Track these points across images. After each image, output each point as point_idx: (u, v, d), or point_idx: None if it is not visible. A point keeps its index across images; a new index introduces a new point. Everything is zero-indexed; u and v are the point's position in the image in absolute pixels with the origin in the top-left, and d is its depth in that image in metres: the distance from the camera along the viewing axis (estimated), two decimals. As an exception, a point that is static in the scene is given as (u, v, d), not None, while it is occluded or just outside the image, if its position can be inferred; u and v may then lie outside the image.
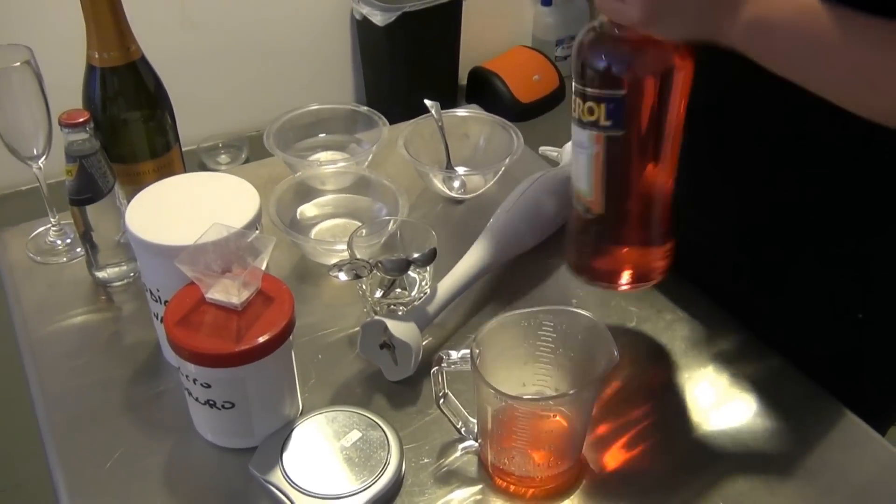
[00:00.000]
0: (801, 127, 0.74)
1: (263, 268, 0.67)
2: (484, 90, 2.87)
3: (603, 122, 0.66)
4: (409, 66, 2.67)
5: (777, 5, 0.61)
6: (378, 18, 2.53)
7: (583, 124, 0.67)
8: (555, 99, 2.96)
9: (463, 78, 2.93)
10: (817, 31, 0.60)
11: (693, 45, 0.65)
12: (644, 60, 0.65)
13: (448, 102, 1.06)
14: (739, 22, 0.61)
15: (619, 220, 0.73)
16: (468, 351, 0.65)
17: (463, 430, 0.71)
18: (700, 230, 0.86)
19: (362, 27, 2.68)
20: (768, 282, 0.83)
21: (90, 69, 0.84)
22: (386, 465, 0.68)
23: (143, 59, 0.85)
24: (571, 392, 0.63)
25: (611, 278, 0.76)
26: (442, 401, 0.70)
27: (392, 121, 1.04)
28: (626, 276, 0.75)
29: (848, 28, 0.58)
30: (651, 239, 0.74)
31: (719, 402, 0.77)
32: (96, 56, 0.82)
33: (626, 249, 0.75)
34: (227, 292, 0.66)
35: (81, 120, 0.78)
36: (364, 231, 0.84)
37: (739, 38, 0.62)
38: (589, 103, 0.66)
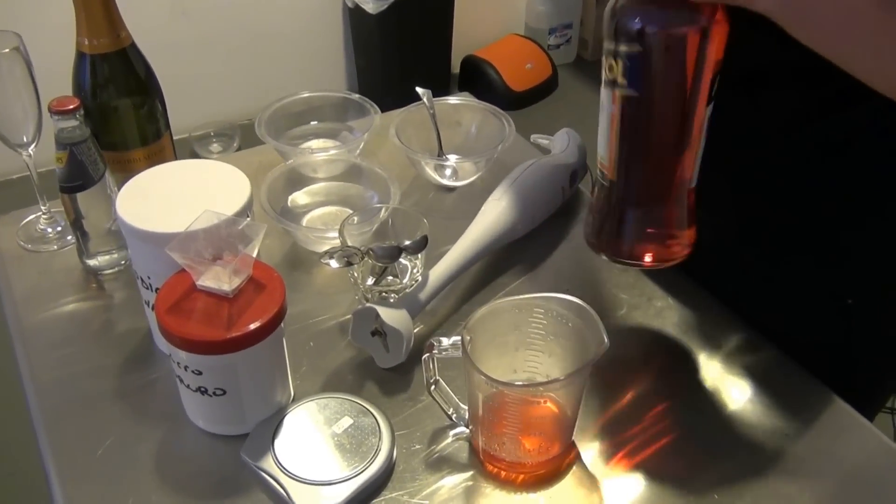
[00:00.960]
0: (792, 124, 0.74)
1: (255, 255, 0.67)
2: (476, 79, 2.87)
3: (620, 81, 0.64)
4: (402, 55, 2.66)
5: None
6: (370, 6, 2.52)
7: (605, 83, 0.66)
8: (547, 87, 2.96)
9: (455, 66, 2.93)
10: (861, 5, 0.57)
11: (726, 12, 0.62)
12: (663, 17, 0.62)
13: (441, 91, 1.06)
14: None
15: (633, 188, 0.70)
16: (459, 338, 0.65)
17: (454, 416, 0.71)
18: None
19: (354, 15, 2.68)
20: (759, 270, 0.84)
21: (80, 56, 0.83)
22: (377, 451, 0.68)
23: (134, 46, 0.85)
24: (561, 378, 0.64)
25: (628, 253, 0.73)
26: (433, 387, 0.70)
27: (384, 109, 1.04)
28: (643, 253, 0.73)
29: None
30: (669, 215, 0.71)
31: (710, 389, 0.77)
32: (86, 42, 0.82)
33: (642, 223, 0.72)
34: (219, 279, 0.66)
35: (71, 107, 0.77)
36: (356, 218, 0.84)
37: (775, 3, 0.60)
38: (610, 60, 0.64)
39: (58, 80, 0.91)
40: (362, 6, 2.54)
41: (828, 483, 0.70)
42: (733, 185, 0.81)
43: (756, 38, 0.63)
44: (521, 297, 0.68)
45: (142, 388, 0.77)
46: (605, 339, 0.62)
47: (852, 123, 0.70)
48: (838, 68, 0.60)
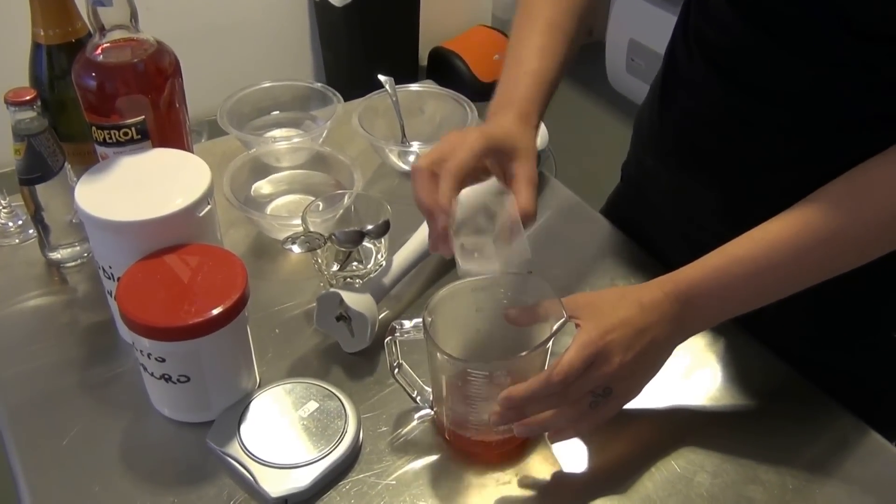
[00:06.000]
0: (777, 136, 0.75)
1: None
2: (444, 70, 2.87)
3: None
4: (369, 47, 2.66)
5: (715, 282, 0.66)
6: (336, -1, 2.52)
7: None
8: (515, 78, 2.97)
9: (423, 58, 2.93)
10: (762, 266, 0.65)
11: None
12: None
13: (408, 83, 1.06)
14: (699, 321, 0.69)
15: None
16: (421, 319, 0.66)
17: (418, 398, 0.72)
18: (678, 222, 0.87)
19: (320, 8, 2.67)
20: None
21: (36, 47, 0.82)
22: (343, 433, 0.69)
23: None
24: (522, 354, 0.64)
25: None
26: (397, 370, 0.71)
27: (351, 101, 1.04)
28: None
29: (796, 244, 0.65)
30: None
31: (670, 365, 0.78)
32: (41, 33, 0.81)
33: None
34: None
35: (28, 98, 0.77)
36: (320, 205, 0.84)
37: (710, 323, 0.71)
38: None
39: (14, 71, 0.90)
40: (328, -1, 2.54)
41: (800, 464, 0.71)
42: (720, 189, 0.81)
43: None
44: (482, 276, 0.68)
45: (107, 380, 0.76)
46: (565, 314, 0.63)
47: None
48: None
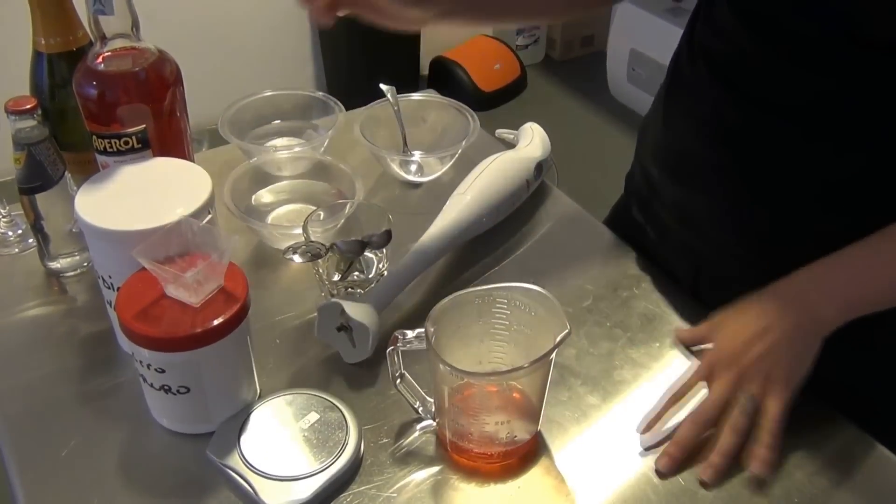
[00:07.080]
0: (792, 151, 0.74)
1: (225, 264, 0.66)
2: (446, 80, 2.87)
3: None
4: (370, 56, 2.66)
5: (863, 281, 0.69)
6: (337, 8, 2.52)
7: None
8: (516, 88, 2.97)
9: (424, 68, 2.93)
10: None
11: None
12: None
13: (410, 92, 1.06)
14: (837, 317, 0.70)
15: None
16: (423, 330, 0.65)
17: (420, 409, 0.71)
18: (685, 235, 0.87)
19: (322, 18, 2.67)
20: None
21: (37, 55, 0.82)
22: (344, 445, 0.68)
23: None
24: (525, 366, 0.64)
25: None
26: (399, 381, 0.70)
27: (352, 110, 1.04)
28: None
29: None
30: None
31: (675, 379, 0.78)
32: (42, 42, 0.81)
33: None
34: (187, 291, 0.65)
35: (28, 107, 0.76)
36: (321, 214, 0.84)
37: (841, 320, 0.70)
38: None
39: (14, 79, 0.90)
40: (329, 8, 2.54)
41: (801, 473, 0.70)
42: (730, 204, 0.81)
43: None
44: (484, 287, 0.68)
45: (106, 390, 0.76)
46: (567, 326, 0.62)
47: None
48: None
